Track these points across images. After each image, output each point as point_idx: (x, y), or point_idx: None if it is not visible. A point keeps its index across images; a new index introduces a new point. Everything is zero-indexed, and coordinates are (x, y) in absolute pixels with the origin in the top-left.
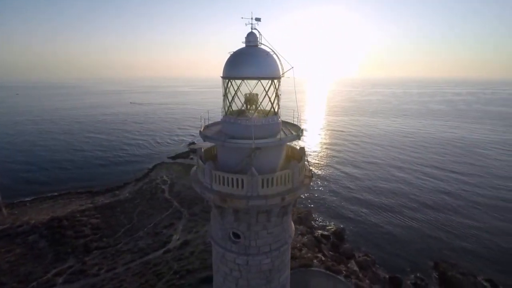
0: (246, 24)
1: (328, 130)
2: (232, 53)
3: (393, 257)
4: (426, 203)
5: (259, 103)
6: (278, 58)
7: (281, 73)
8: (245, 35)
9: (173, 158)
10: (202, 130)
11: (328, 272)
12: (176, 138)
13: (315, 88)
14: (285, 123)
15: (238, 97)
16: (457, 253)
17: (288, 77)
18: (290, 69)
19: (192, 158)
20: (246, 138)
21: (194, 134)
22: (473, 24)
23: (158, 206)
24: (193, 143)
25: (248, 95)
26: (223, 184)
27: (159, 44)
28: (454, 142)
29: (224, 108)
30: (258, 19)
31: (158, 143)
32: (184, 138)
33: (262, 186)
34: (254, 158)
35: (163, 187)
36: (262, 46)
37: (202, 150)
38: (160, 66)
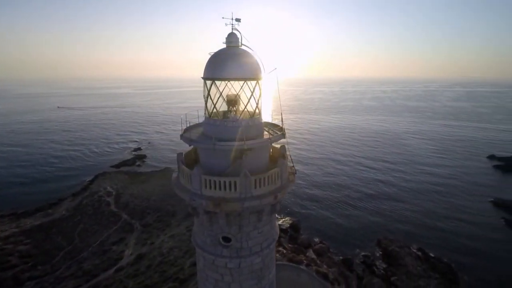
0: (226, 25)
1: None
2: (213, 53)
3: (344, 241)
4: (365, 191)
5: (241, 104)
6: (259, 59)
7: (263, 74)
8: (226, 36)
9: (117, 166)
10: (183, 133)
11: (291, 264)
12: (116, 146)
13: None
14: (265, 123)
15: (214, 98)
16: (394, 230)
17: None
18: (274, 70)
19: (139, 165)
20: (233, 139)
21: (137, 139)
22: (398, 28)
23: (104, 221)
24: (139, 148)
25: (231, 96)
26: (215, 188)
27: (93, 42)
28: (383, 134)
29: (207, 110)
30: (238, 20)
31: (95, 152)
32: (127, 145)
33: (255, 187)
34: (245, 159)
35: (107, 199)
36: (243, 47)
37: (183, 154)
38: (99, 65)
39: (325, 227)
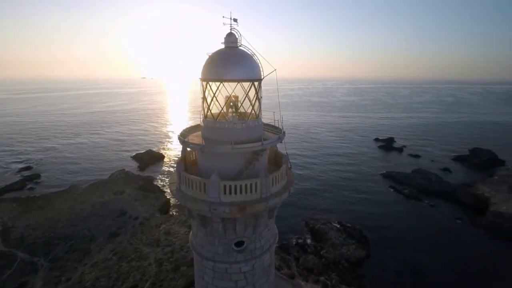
0: (224, 24)
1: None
2: (211, 54)
3: (280, 230)
4: None
5: (239, 105)
6: (259, 59)
7: (262, 75)
8: (225, 35)
9: None
10: (184, 139)
11: None
12: None
13: (177, 88)
14: None
15: (211, 99)
16: (317, 210)
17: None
18: (274, 71)
19: (32, 188)
20: (246, 141)
21: (23, 157)
22: (301, 30)
23: None
24: (28, 168)
25: (231, 97)
26: (235, 193)
27: None
28: (297, 127)
29: (203, 112)
30: (235, 20)
31: None
32: (9, 166)
33: (272, 185)
34: (261, 160)
35: None
36: (242, 47)
37: (182, 165)
38: None
39: None
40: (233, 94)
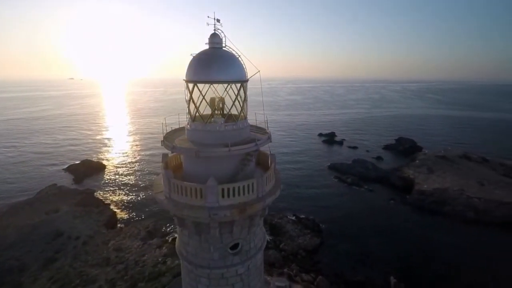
0: (208, 24)
1: (138, 134)
2: (197, 55)
3: None
4: None
5: (226, 107)
6: (242, 60)
7: (247, 77)
8: (209, 36)
9: None
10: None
11: None
12: None
13: (112, 90)
14: None
15: (198, 101)
16: (272, 206)
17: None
18: (257, 72)
19: None
20: (238, 143)
21: None
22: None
23: None
24: None
25: (222, 99)
26: (233, 195)
27: None
28: None
29: (190, 114)
30: (218, 20)
31: None
32: None
33: (266, 184)
34: (253, 160)
35: None
36: (226, 48)
37: (171, 172)
38: None
39: None
40: (218, 95)
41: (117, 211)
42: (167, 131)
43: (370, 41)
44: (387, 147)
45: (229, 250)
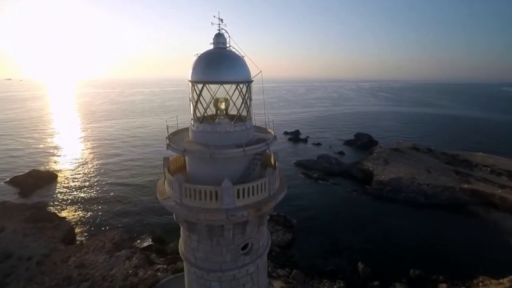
0: (212, 24)
1: (91, 139)
2: (202, 55)
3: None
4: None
5: (230, 108)
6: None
7: (251, 77)
8: (213, 36)
9: None
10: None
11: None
12: None
13: (59, 92)
14: None
15: (201, 102)
16: None
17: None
18: (259, 73)
19: None
20: (248, 143)
21: None
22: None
23: None
24: None
25: (221, 99)
26: (248, 195)
27: None
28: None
29: (195, 115)
30: (221, 20)
31: None
32: None
33: (275, 182)
34: (262, 159)
35: None
36: (231, 48)
37: (181, 176)
38: None
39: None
40: (223, 96)
41: (75, 224)
42: (168, 134)
43: (324, 42)
44: (347, 143)
45: (240, 250)
